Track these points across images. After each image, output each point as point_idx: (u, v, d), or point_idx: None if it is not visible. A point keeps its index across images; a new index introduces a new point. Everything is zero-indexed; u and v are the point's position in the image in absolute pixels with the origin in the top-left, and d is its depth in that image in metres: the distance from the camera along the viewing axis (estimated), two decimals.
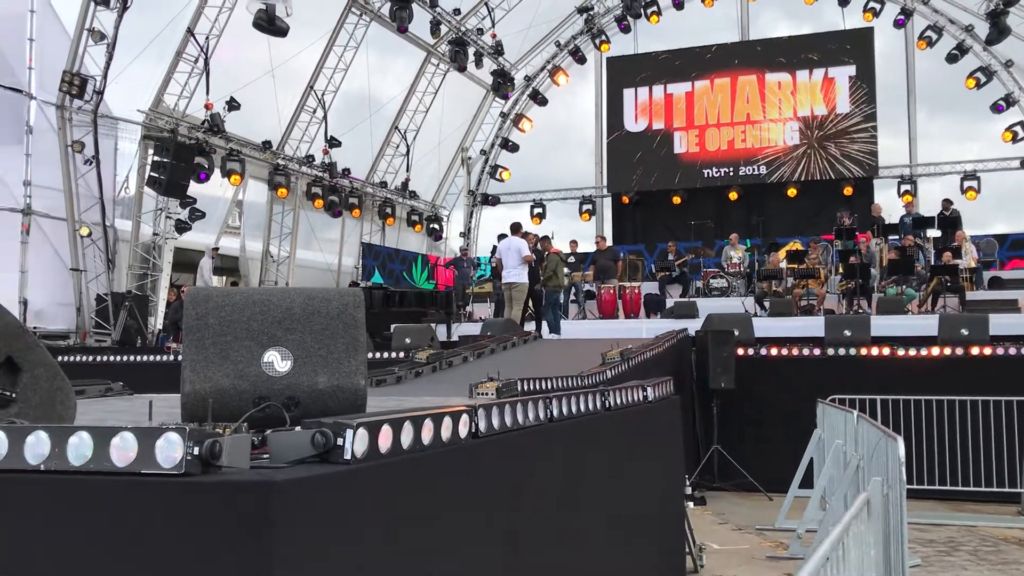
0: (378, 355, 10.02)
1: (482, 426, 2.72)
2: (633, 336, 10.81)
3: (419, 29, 20.62)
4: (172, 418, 2.68)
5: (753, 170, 23.48)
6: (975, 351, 9.70)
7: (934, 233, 18.54)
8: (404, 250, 24.44)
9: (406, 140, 23.17)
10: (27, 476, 2.02)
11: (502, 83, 23.28)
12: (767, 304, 15.86)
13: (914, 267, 15.90)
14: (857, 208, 20.36)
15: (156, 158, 15.33)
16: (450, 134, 24.75)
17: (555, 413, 3.37)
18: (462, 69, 22.00)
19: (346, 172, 21.07)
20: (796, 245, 18.77)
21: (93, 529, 1.93)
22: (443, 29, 21.37)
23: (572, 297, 18.70)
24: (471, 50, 22.02)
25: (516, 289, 13.84)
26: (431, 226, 25.63)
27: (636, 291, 17.76)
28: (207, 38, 16.42)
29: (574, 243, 21.20)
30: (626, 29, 24.27)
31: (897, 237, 17.44)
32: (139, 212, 16.31)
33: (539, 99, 25.62)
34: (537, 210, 25.58)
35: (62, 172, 14.90)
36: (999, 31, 19.85)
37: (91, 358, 11.38)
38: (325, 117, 19.97)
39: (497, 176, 25.96)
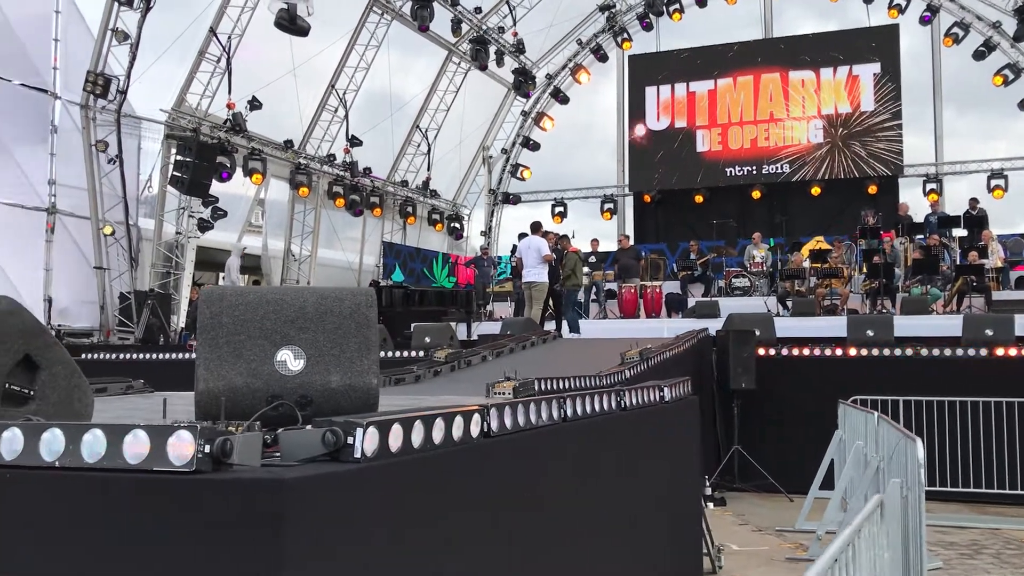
0: (397, 354, 10.04)
1: (494, 425, 2.72)
2: (654, 336, 10.75)
3: (440, 28, 20.64)
4: (187, 416, 2.70)
5: (776, 169, 23.34)
6: (1000, 352, 9.58)
7: (960, 232, 18.35)
8: (425, 249, 24.49)
9: (427, 139, 23.21)
10: (42, 472, 2.05)
11: (523, 82, 23.27)
12: (790, 304, 15.76)
13: (939, 267, 15.74)
14: (881, 207, 20.19)
15: (179, 157, 15.45)
16: (471, 133, 24.77)
17: (569, 413, 3.36)
18: (483, 68, 22.01)
19: (367, 171, 21.14)
20: (820, 243, 18.64)
21: (105, 525, 1.95)
22: (464, 28, 21.39)
23: (593, 296, 18.69)
24: (492, 49, 22.03)
25: (536, 288, 13.85)
26: (452, 225, 25.66)
27: (657, 290, 17.72)
28: (229, 38, 16.53)
29: (595, 242, 21.17)
30: (648, 27, 24.21)
31: (923, 236, 17.28)
32: (162, 211, 16.44)
33: (561, 97, 25.60)
34: (558, 209, 25.55)
35: (86, 171, 15.04)
36: None
37: (114, 356, 11.49)
38: (346, 116, 20.05)
39: (518, 175, 25.96)
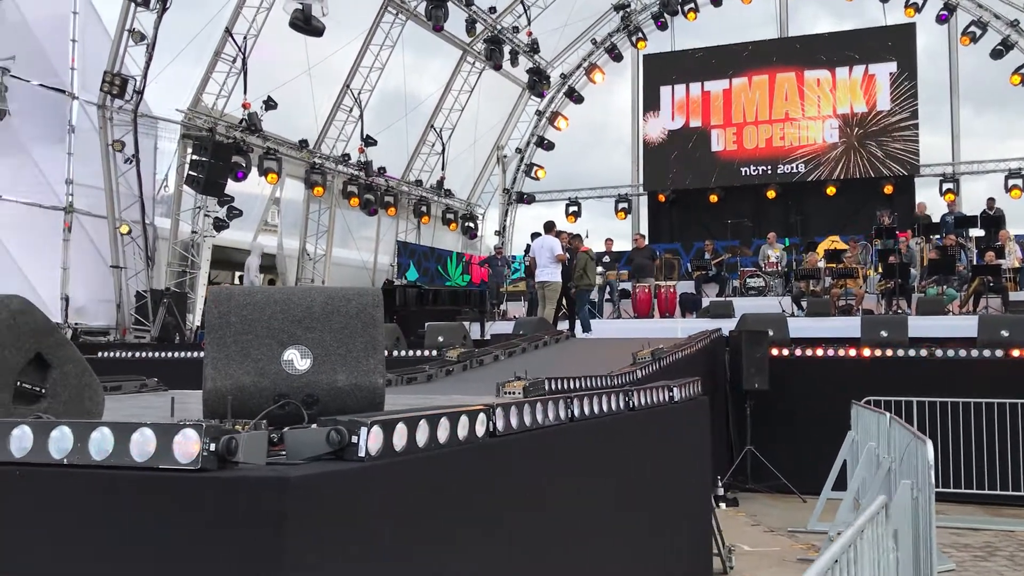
0: (410, 353, 10.07)
1: (499, 425, 2.73)
2: (668, 336, 10.73)
3: (455, 28, 20.67)
4: (197, 415, 2.72)
5: (791, 168, 23.24)
6: (1016, 353, 9.51)
7: (977, 232, 18.23)
8: (440, 248, 24.53)
9: (441, 138, 23.24)
10: (51, 469, 2.08)
11: (538, 81, 23.27)
12: (804, 304, 15.70)
13: (955, 267, 15.64)
14: (897, 207, 20.08)
15: (194, 157, 15.53)
16: (485, 132, 24.78)
17: (576, 413, 3.37)
18: (498, 67, 22.02)
19: (382, 171, 21.19)
20: (835, 242, 18.54)
21: (112, 522, 1.98)
22: (479, 27, 21.41)
23: (607, 296, 18.67)
24: (507, 48, 22.03)
25: (549, 288, 13.85)
26: (466, 224, 25.68)
27: (671, 290, 17.69)
28: (245, 38, 16.60)
29: (609, 241, 21.13)
30: (663, 26, 24.16)
31: (939, 236, 17.17)
32: (178, 210, 16.53)
33: (575, 97, 25.58)
34: (572, 208, 25.52)
35: (103, 171, 15.14)
36: None
37: (130, 354, 11.56)
38: (361, 116, 20.10)
39: (532, 174, 25.94)
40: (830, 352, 10.26)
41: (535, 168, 25.86)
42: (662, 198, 24.91)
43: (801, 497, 9.32)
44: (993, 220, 17.93)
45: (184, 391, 4.45)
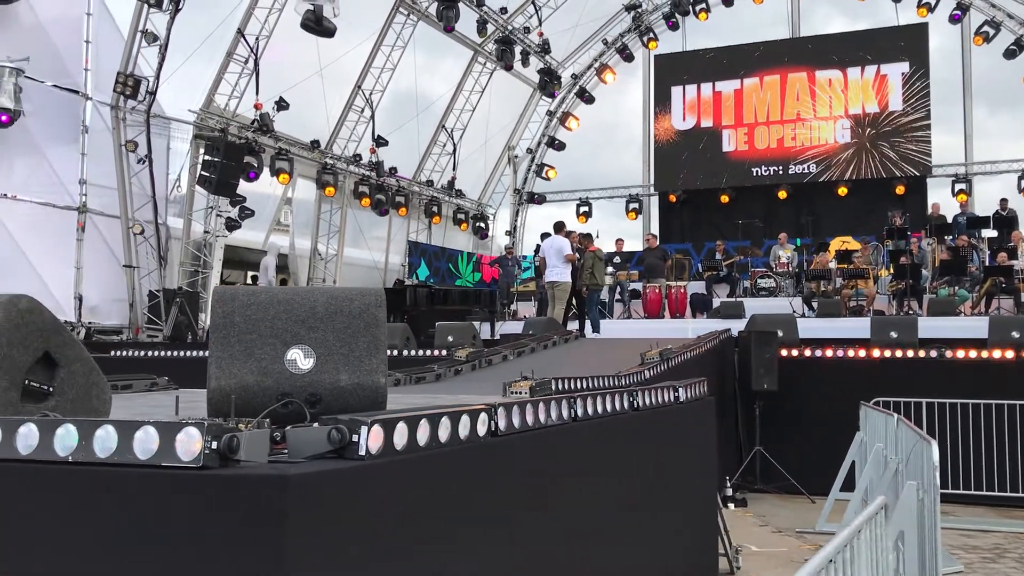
0: (419, 353, 10.11)
1: (502, 425, 2.75)
2: (678, 336, 10.75)
3: (466, 28, 20.71)
4: (203, 413, 2.76)
5: (803, 169, 23.18)
6: None
7: (989, 233, 18.14)
8: (451, 248, 24.58)
9: (453, 139, 23.29)
10: (56, 467, 2.11)
11: (549, 81, 23.29)
12: (815, 304, 15.66)
13: (967, 268, 15.57)
14: (909, 207, 19.99)
15: (207, 157, 15.62)
16: (496, 132, 24.82)
17: (579, 413, 3.38)
18: (509, 68, 22.04)
19: (393, 171, 21.25)
20: (846, 243, 18.46)
21: (115, 518, 2.00)
22: (490, 28, 21.44)
23: (617, 296, 18.67)
24: (518, 49, 22.06)
25: (559, 288, 13.86)
26: (477, 224, 25.73)
27: (682, 291, 17.67)
28: (257, 39, 16.69)
29: (620, 242, 21.14)
30: (674, 26, 24.15)
31: (951, 237, 17.10)
32: (190, 210, 16.63)
33: (586, 97, 25.59)
34: (583, 208, 25.53)
35: (116, 171, 15.25)
36: None
37: (142, 353, 11.63)
38: (372, 116, 20.17)
39: (543, 175, 25.98)
40: (839, 353, 10.25)
41: (546, 168, 25.89)
42: (673, 198, 24.88)
43: (810, 498, 9.31)
44: (1006, 221, 17.83)
45: (193, 390, 4.50)
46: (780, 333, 10.57)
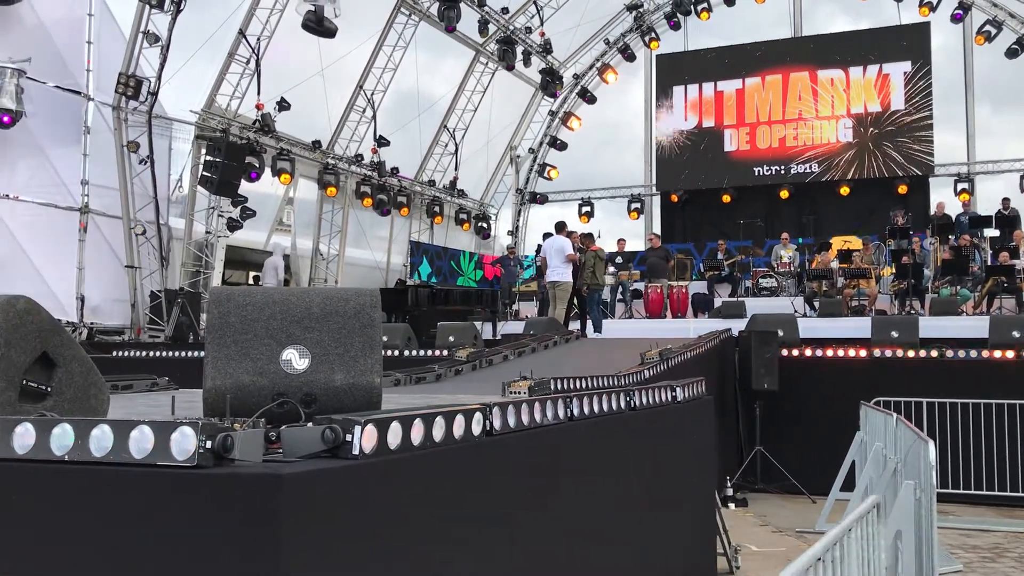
0: (420, 353, 10.12)
1: (497, 424, 2.76)
2: (680, 336, 10.75)
3: (467, 28, 20.72)
4: (200, 413, 2.77)
5: (805, 168, 23.17)
6: None
7: (992, 232, 18.13)
8: (453, 248, 24.60)
9: (455, 139, 23.30)
10: (52, 466, 2.12)
11: (551, 81, 23.30)
12: (817, 304, 15.66)
13: (968, 267, 15.56)
14: (911, 207, 19.98)
15: (208, 157, 15.64)
16: (498, 133, 24.82)
17: (576, 412, 3.39)
18: (510, 68, 22.06)
19: (395, 171, 21.26)
20: (849, 242, 18.45)
21: (110, 517, 2.02)
22: (491, 28, 21.45)
23: (619, 296, 18.67)
24: (519, 49, 22.07)
25: (560, 288, 13.86)
26: (479, 224, 25.73)
27: (684, 290, 17.67)
28: (258, 39, 16.71)
29: (622, 242, 21.14)
30: (676, 26, 24.15)
31: (953, 236, 17.09)
32: (192, 210, 16.65)
33: (588, 97, 25.59)
34: (585, 208, 25.54)
35: (118, 171, 15.27)
36: None
37: (144, 353, 11.64)
38: (374, 116, 20.18)
39: (545, 174, 25.99)
40: (840, 353, 10.25)
41: (548, 168, 25.90)
42: (675, 198, 24.89)
43: (810, 497, 9.32)
44: (1008, 220, 17.82)
45: (193, 390, 4.51)
46: (780, 333, 10.57)
